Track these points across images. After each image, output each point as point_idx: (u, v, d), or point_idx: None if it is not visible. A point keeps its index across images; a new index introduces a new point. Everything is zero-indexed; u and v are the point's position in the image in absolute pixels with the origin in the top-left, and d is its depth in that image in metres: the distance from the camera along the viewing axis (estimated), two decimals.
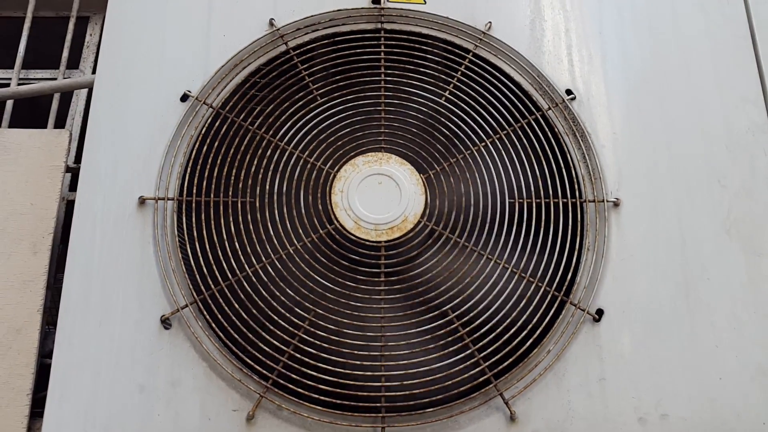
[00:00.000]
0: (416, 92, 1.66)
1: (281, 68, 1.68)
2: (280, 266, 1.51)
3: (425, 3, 1.76)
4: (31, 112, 2.28)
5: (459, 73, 1.69)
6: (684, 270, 1.54)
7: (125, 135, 1.62)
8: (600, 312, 1.50)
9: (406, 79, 1.67)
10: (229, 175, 1.57)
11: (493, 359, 1.45)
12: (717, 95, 1.69)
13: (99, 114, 1.64)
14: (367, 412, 1.42)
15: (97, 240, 1.53)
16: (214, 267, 1.50)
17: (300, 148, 1.60)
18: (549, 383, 1.45)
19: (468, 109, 1.65)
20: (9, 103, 2.07)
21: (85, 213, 1.55)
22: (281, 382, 1.43)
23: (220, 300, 1.48)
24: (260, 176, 1.57)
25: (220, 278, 1.49)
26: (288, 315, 1.47)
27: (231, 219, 1.54)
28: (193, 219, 1.54)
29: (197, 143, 1.60)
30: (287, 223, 1.54)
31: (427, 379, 1.43)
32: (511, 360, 1.45)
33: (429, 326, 1.47)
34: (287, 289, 1.49)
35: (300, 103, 1.64)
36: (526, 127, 1.63)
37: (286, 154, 1.60)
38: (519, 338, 1.47)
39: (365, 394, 1.42)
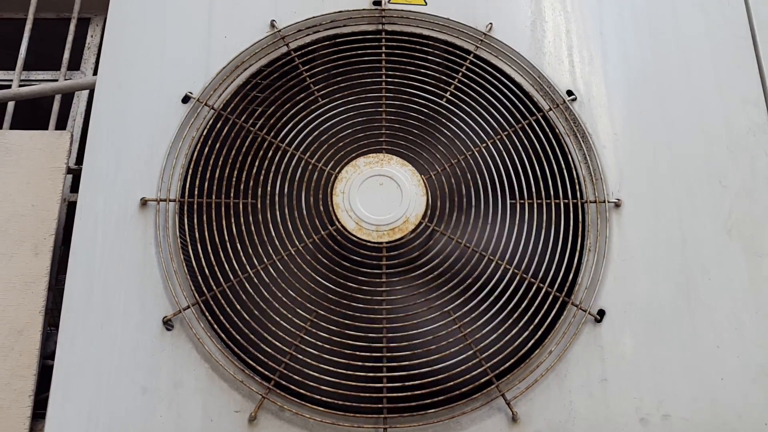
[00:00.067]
0: (417, 93, 1.66)
1: (282, 69, 1.68)
2: (281, 267, 1.51)
3: (426, 4, 1.76)
4: (32, 114, 2.29)
5: (460, 74, 1.69)
6: (685, 270, 1.54)
7: (127, 136, 1.62)
8: (601, 312, 1.50)
9: (407, 81, 1.67)
10: (231, 176, 1.58)
11: (495, 360, 1.45)
12: (717, 96, 1.69)
13: (100, 115, 1.64)
14: (369, 413, 1.42)
15: (99, 241, 1.53)
16: (216, 268, 1.50)
17: (301, 149, 1.60)
18: (551, 384, 1.45)
19: (469, 110, 1.65)
20: (10, 105, 2.07)
21: (86, 214, 1.55)
22: (283, 383, 1.43)
23: (222, 301, 1.48)
24: (262, 177, 1.57)
25: (222, 279, 1.49)
26: (290, 316, 1.47)
27: (233, 220, 1.54)
28: (195, 220, 1.54)
29: (199, 145, 1.60)
30: (289, 224, 1.54)
31: (430, 379, 1.43)
32: (512, 361, 1.45)
33: (431, 327, 1.47)
34: (289, 290, 1.49)
35: (301, 104, 1.64)
36: (527, 128, 1.64)
37: (288, 155, 1.60)
38: (521, 339, 1.47)
39: (367, 395, 1.42)
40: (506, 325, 1.47)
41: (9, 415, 1.51)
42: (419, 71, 1.69)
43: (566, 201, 1.58)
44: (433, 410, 1.42)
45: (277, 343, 1.45)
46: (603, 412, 1.43)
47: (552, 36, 1.75)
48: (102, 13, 2.39)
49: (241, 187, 1.57)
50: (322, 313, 1.48)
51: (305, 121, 1.63)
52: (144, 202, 1.56)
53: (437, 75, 1.69)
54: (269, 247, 1.52)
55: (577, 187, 1.59)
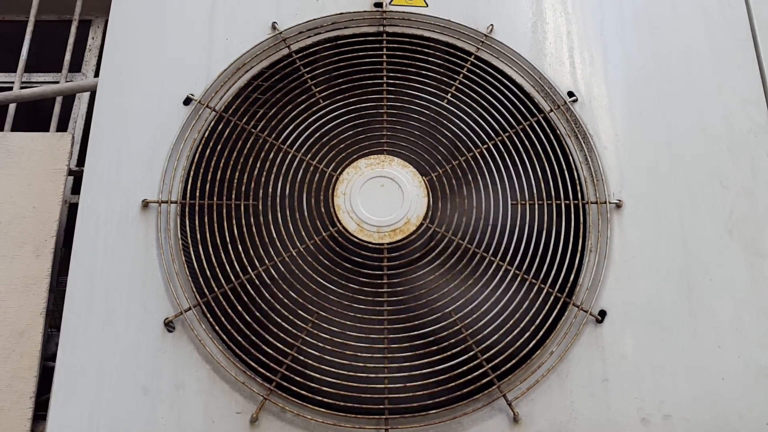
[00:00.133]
0: (418, 95, 1.66)
1: (284, 71, 1.69)
2: (283, 269, 1.51)
3: (427, 6, 1.76)
4: (33, 116, 2.29)
5: (461, 75, 1.69)
6: (686, 271, 1.54)
7: (128, 138, 1.62)
8: (603, 313, 1.51)
9: (408, 82, 1.67)
10: (232, 178, 1.58)
11: (496, 361, 1.45)
12: (718, 96, 1.69)
13: (102, 117, 1.64)
14: (370, 414, 1.42)
15: (101, 243, 1.53)
16: (218, 270, 1.50)
17: (303, 151, 1.61)
18: (552, 384, 1.45)
19: (470, 111, 1.65)
20: (12, 107, 2.07)
21: (88, 216, 1.55)
22: (285, 384, 1.43)
23: (224, 303, 1.48)
24: (263, 179, 1.58)
25: (223, 281, 1.50)
26: (291, 317, 1.47)
27: (234, 222, 1.54)
28: (197, 222, 1.54)
29: (200, 146, 1.61)
30: (290, 225, 1.55)
31: (431, 380, 1.43)
32: (514, 362, 1.46)
33: (432, 328, 1.47)
34: (290, 292, 1.49)
35: (303, 106, 1.65)
36: (529, 130, 1.64)
37: (289, 156, 1.60)
38: (522, 340, 1.47)
39: (369, 396, 1.42)
40: (507, 325, 1.47)
41: (10, 416, 1.51)
42: (420, 73, 1.69)
43: (567, 202, 1.58)
44: (434, 411, 1.42)
45: (278, 344, 1.45)
46: (604, 413, 1.43)
47: (553, 37, 1.75)
48: (103, 15, 2.39)
49: (243, 188, 1.57)
50: (324, 314, 1.48)
51: (306, 123, 1.63)
52: (145, 204, 1.56)
53: (438, 76, 1.70)
54: (270, 249, 1.52)
55: (578, 188, 1.59)
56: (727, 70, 1.72)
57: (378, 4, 1.75)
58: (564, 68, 1.72)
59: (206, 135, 1.62)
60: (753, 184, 1.61)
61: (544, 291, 1.51)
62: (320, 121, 1.63)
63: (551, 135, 1.64)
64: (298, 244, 1.53)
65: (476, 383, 1.44)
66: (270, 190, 1.57)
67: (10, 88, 2.03)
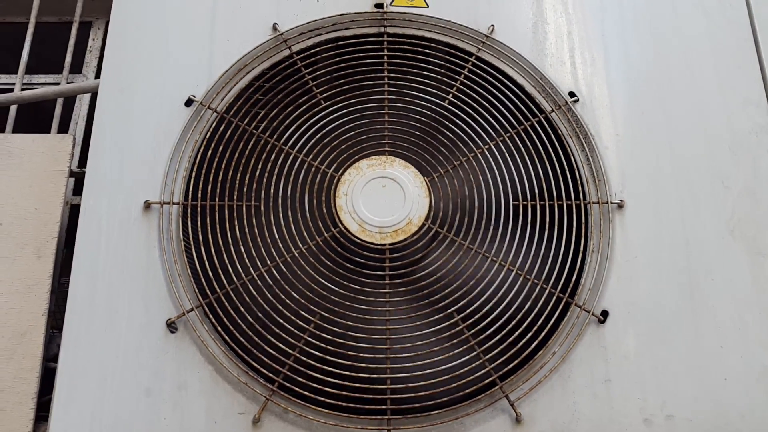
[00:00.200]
0: (419, 95, 1.67)
1: (285, 72, 1.69)
2: (285, 269, 1.51)
3: (428, 7, 1.76)
4: (34, 117, 2.29)
5: (462, 76, 1.69)
6: (688, 271, 1.54)
7: (130, 140, 1.62)
8: (605, 313, 1.51)
9: (409, 83, 1.68)
10: (234, 179, 1.58)
11: (499, 361, 1.45)
12: (719, 97, 1.69)
13: (104, 119, 1.64)
14: (372, 414, 1.42)
15: (103, 244, 1.53)
16: (220, 270, 1.50)
17: (304, 151, 1.61)
18: (554, 385, 1.45)
19: (471, 111, 1.65)
20: (13, 108, 2.07)
21: (90, 217, 1.56)
22: (287, 385, 1.43)
23: (226, 303, 1.48)
24: (265, 180, 1.58)
25: (225, 282, 1.50)
26: (293, 318, 1.47)
27: (236, 223, 1.54)
28: (199, 223, 1.54)
29: (202, 148, 1.61)
30: (292, 226, 1.55)
31: (433, 381, 1.43)
32: (516, 362, 1.46)
33: (434, 328, 1.47)
34: (292, 292, 1.49)
35: (304, 107, 1.65)
36: (530, 130, 1.64)
37: (291, 157, 1.60)
38: (524, 340, 1.47)
39: (371, 396, 1.42)
40: (510, 326, 1.47)
41: (12, 417, 1.51)
42: (421, 73, 1.69)
43: (569, 202, 1.58)
44: (436, 411, 1.42)
45: (280, 345, 1.45)
46: (607, 413, 1.44)
47: (554, 38, 1.75)
48: (104, 17, 2.39)
49: (245, 189, 1.57)
50: (326, 315, 1.48)
51: (308, 124, 1.63)
52: (147, 205, 1.56)
53: (439, 77, 1.70)
54: (272, 250, 1.52)
55: (580, 188, 1.59)
56: (727, 70, 1.72)
57: (379, 5, 1.76)
58: (565, 68, 1.72)
59: (208, 136, 1.62)
60: (754, 184, 1.62)
61: (546, 291, 1.51)
62: (321, 122, 1.63)
63: (552, 135, 1.64)
64: (300, 245, 1.53)
65: (478, 383, 1.44)
66: (272, 191, 1.57)
67: (11, 90, 2.02)
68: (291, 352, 1.45)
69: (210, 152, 1.60)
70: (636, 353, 1.48)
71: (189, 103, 1.65)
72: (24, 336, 1.57)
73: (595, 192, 1.60)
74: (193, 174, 1.58)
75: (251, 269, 1.51)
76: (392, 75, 1.68)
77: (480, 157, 1.61)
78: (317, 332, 1.47)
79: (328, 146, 1.61)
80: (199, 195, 1.57)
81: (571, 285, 1.52)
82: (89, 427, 1.40)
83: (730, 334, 1.50)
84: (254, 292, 1.49)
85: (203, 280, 1.50)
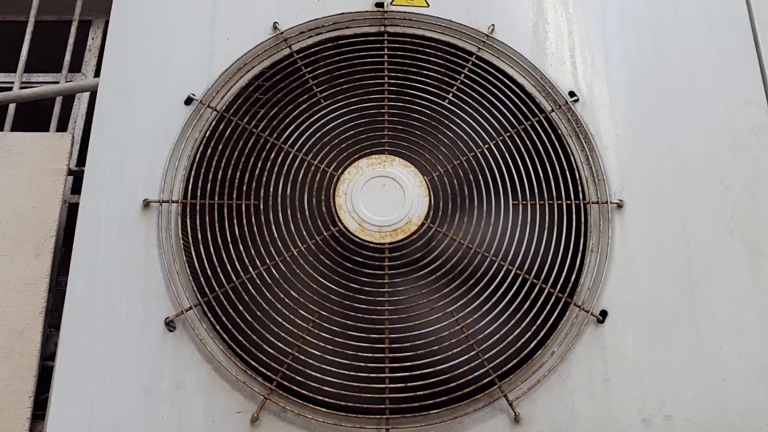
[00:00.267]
0: (420, 94, 1.67)
1: (285, 71, 1.69)
2: (284, 268, 1.51)
3: (428, 6, 1.77)
4: (33, 116, 2.29)
5: (462, 75, 1.69)
6: (688, 271, 1.54)
7: (129, 138, 1.62)
8: (604, 313, 1.50)
9: (409, 82, 1.68)
10: (233, 177, 1.58)
11: (498, 361, 1.45)
12: (720, 97, 1.70)
13: (103, 118, 1.64)
14: (371, 414, 1.42)
15: (102, 243, 1.53)
16: (219, 269, 1.50)
17: (304, 150, 1.61)
18: (553, 384, 1.45)
19: (471, 111, 1.65)
20: (12, 107, 2.07)
21: (89, 216, 1.55)
22: (285, 383, 1.43)
23: (225, 302, 1.48)
24: (264, 179, 1.58)
25: (224, 280, 1.49)
26: (292, 317, 1.47)
27: (235, 221, 1.54)
28: (198, 222, 1.54)
29: (201, 146, 1.61)
30: (291, 225, 1.54)
31: (432, 380, 1.43)
32: (515, 362, 1.45)
33: (433, 327, 1.47)
34: (291, 291, 1.49)
35: (304, 106, 1.65)
36: (530, 129, 1.64)
37: (290, 156, 1.60)
38: (523, 340, 1.47)
39: (370, 395, 1.42)
40: (509, 325, 1.47)
41: (9, 416, 1.51)
42: (421, 73, 1.69)
43: (569, 202, 1.58)
44: (435, 411, 1.42)
45: (279, 344, 1.45)
46: (605, 413, 1.43)
47: (554, 37, 1.75)
48: (103, 16, 2.39)
49: (244, 188, 1.57)
50: (325, 314, 1.48)
51: (308, 123, 1.63)
52: (147, 204, 1.56)
53: (439, 76, 1.70)
54: (272, 249, 1.52)
55: (580, 188, 1.59)
56: (728, 71, 1.72)
57: (379, 4, 1.76)
58: (565, 68, 1.72)
59: (207, 135, 1.62)
60: (754, 184, 1.62)
61: (545, 291, 1.51)
62: (321, 121, 1.63)
63: (552, 135, 1.64)
64: (299, 244, 1.53)
65: (477, 383, 1.44)
66: (271, 189, 1.57)
67: (10, 88, 2.02)
68: (289, 350, 1.44)
69: (209, 151, 1.60)
70: (635, 353, 1.48)
71: (189, 101, 1.65)
72: (21, 334, 1.57)
73: (595, 192, 1.60)
74: (193, 172, 1.58)
75: (250, 268, 1.50)
76: (392, 74, 1.68)
77: (480, 156, 1.61)
78: (316, 331, 1.46)
79: (328, 145, 1.61)
80: (199, 194, 1.56)
81: (570, 285, 1.52)
82: (87, 426, 1.40)
83: (730, 334, 1.49)
84: (253, 291, 1.48)
85: (202, 278, 1.50)
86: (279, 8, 1.75)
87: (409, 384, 1.43)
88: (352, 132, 1.63)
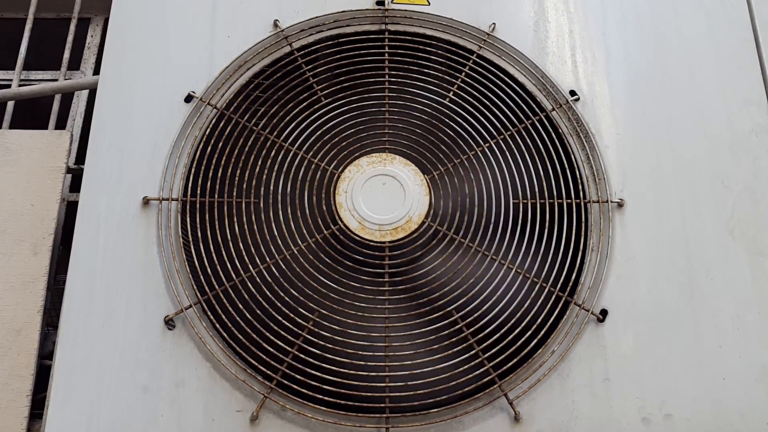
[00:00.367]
0: (420, 93, 1.66)
1: (285, 69, 1.68)
2: (284, 267, 1.51)
3: (429, 4, 1.76)
4: (32, 113, 2.28)
5: (463, 74, 1.69)
6: (688, 270, 1.54)
7: (129, 136, 1.61)
8: (604, 312, 1.50)
9: (410, 80, 1.67)
10: (233, 175, 1.57)
11: (498, 360, 1.45)
12: (720, 97, 1.70)
13: (103, 115, 1.64)
14: (371, 413, 1.41)
15: (101, 241, 1.52)
16: (218, 267, 1.50)
17: (304, 149, 1.60)
18: (553, 383, 1.45)
19: (472, 110, 1.65)
20: (10, 104, 2.06)
21: (88, 214, 1.55)
22: (285, 382, 1.42)
23: (224, 300, 1.47)
24: (264, 177, 1.57)
25: (224, 279, 1.49)
26: (292, 315, 1.47)
27: (235, 219, 1.54)
28: (197, 220, 1.54)
29: (201, 144, 1.60)
30: (291, 223, 1.54)
31: (432, 379, 1.43)
32: (515, 360, 1.45)
33: (433, 327, 1.47)
34: (291, 290, 1.49)
35: (304, 104, 1.64)
36: (531, 128, 1.64)
37: (291, 154, 1.60)
38: (523, 339, 1.46)
39: (369, 394, 1.42)
40: (509, 324, 1.47)
41: (6, 415, 1.50)
42: (422, 71, 1.69)
43: (569, 201, 1.58)
44: (435, 410, 1.42)
45: (279, 342, 1.44)
46: (605, 412, 1.43)
47: (555, 36, 1.75)
48: (102, 14, 2.38)
49: (244, 186, 1.56)
50: (325, 312, 1.47)
51: (308, 121, 1.63)
52: (146, 202, 1.55)
53: (440, 75, 1.70)
54: (272, 247, 1.52)
55: (580, 187, 1.59)
56: (728, 70, 1.72)
57: (380, 2, 1.75)
58: (566, 67, 1.72)
59: (207, 132, 1.61)
60: (754, 184, 1.62)
61: (546, 290, 1.51)
62: (322, 119, 1.63)
63: (553, 134, 1.64)
64: (300, 242, 1.53)
65: (477, 382, 1.44)
66: (271, 187, 1.57)
67: (9, 86, 2.02)
68: (289, 349, 1.44)
69: (209, 149, 1.60)
70: (635, 352, 1.48)
71: (189, 99, 1.65)
72: (19, 333, 1.56)
73: (596, 191, 1.60)
74: (193, 170, 1.58)
75: (250, 266, 1.50)
76: (393, 72, 1.68)
77: (480, 155, 1.61)
78: (316, 330, 1.46)
79: (329, 143, 1.61)
80: (198, 192, 1.56)
81: (570, 284, 1.52)
82: (86, 425, 1.39)
83: (730, 333, 1.50)
84: (253, 290, 1.48)
85: (202, 277, 1.49)
86: (279, 6, 1.75)
87: (409, 383, 1.42)
88: (352, 130, 1.62)
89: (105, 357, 1.44)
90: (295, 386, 1.42)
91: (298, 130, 1.62)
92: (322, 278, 1.50)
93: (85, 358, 1.44)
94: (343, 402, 1.41)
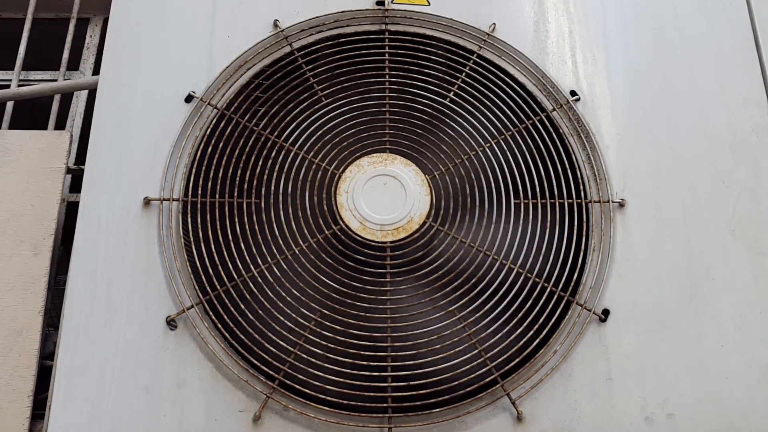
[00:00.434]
0: (421, 93, 1.66)
1: (286, 69, 1.68)
2: (285, 267, 1.50)
3: (429, 4, 1.76)
4: (31, 114, 2.27)
5: (463, 74, 1.69)
6: (689, 270, 1.55)
7: (130, 136, 1.61)
8: (606, 312, 1.51)
9: (410, 80, 1.67)
10: (234, 175, 1.57)
11: (500, 359, 1.45)
12: (720, 97, 1.70)
13: (103, 116, 1.63)
14: (373, 413, 1.41)
15: (102, 241, 1.52)
16: (220, 268, 1.49)
17: (305, 149, 1.60)
18: (555, 383, 1.45)
19: (473, 109, 1.65)
20: (9, 105, 2.06)
21: (89, 214, 1.54)
22: (287, 382, 1.42)
23: (226, 300, 1.47)
24: (265, 177, 1.57)
25: (225, 279, 1.49)
26: (294, 315, 1.47)
27: (236, 220, 1.53)
28: (199, 220, 1.53)
29: (202, 144, 1.60)
30: (292, 223, 1.54)
31: (434, 379, 1.43)
32: (517, 360, 1.45)
33: (435, 326, 1.47)
34: (293, 290, 1.49)
35: (305, 104, 1.64)
36: (531, 128, 1.64)
37: (291, 155, 1.60)
38: (525, 338, 1.47)
39: (372, 394, 1.42)
40: (511, 324, 1.47)
41: (8, 415, 1.50)
42: (422, 71, 1.69)
43: (570, 201, 1.58)
44: (437, 410, 1.42)
45: (281, 342, 1.44)
46: (608, 412, 1.43)
47: (555, 36, 1.75)
48: (101, 14, 2.38)
49: (245, 186, 1.56)
50: (327, 312, 1.47)
51: (309, 121, 1.62)
52: (147, 202, 1.55)
53: (440, 75, 1.69)
54: (273, 247, 1.52)
55: (581, 187, 1.59)
56: (728, 70, 1.73)
57: (380, 2, 1.75)
58: (566, 67, 1.72)
59: (208, 133, 1.61)
60: (755, 184, 1.62)
61: (548, 290, 1.51)
62: (323, 119, 1.63)
63: (554, 134, 1.64)
64: (301, 242, 1.53)
65: (479, 382, 1.44)
66: (272, 187, 1.56)
67: (8, 86, 2.01)
68: (291, 349, 1.44)
69: (210, 149, 1.59)
70: (637, 352, 1.48)
71: (189, 99, 1.65)
72: (20, 334, 1.56)
73: (596, 191, 1.60)
74: (193, 170, 1.57)
75: (251, 266, 1.50)
76: (393, 72, 1.68)
77: (481, 155, 1.61)
78: (318, 330, 1.46)
79: (329, 143, 1.61)
80: (199, 192, 1.56)
81: (572, 284, 1.52)
82: (88, 425, 1.39)
83: (731, 333, 1.50)
84: (254, 290, 1.48)
85: (203, 277, 1.49)
86: (279, 6, 1.75)
87: (411, 383, 1.43)
88: (353, 130, 1.62)
89: (107, 357, 1.44)
90: (297, 386, 1.42)
91: (299, 130, 1.62)
92: (324, 278, 1.50)
93: (86, 358, 1.43)
94: (345, 402, 1.42)
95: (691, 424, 1.43)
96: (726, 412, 1.44)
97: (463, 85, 1.68)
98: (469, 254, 1.53)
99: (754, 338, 1.49)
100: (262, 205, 1.55)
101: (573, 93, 1.69)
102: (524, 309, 1.49)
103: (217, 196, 1.56)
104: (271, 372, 1.43)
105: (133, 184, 1.57)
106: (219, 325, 1.46)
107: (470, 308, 1.48)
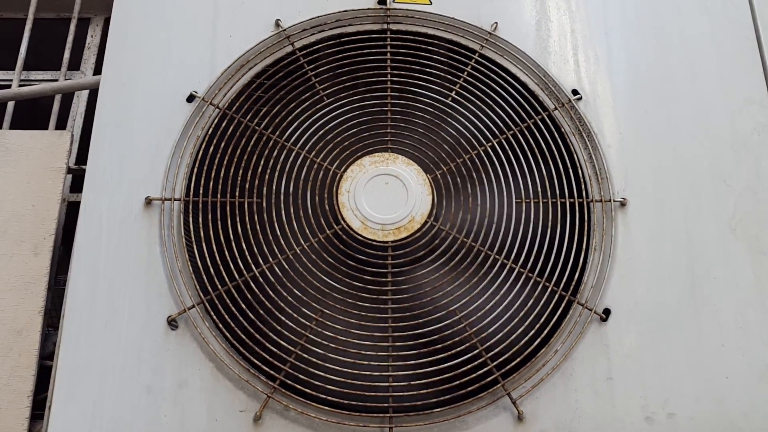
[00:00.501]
0: (423, 92, 1.66)
1: (287, 69, 1.68)
2: (287, 266, 1.50)
3: (431, 4, 1.76)
4: (32, 114, 2.27)
5: (465, 73, 1.69)
6: (690, 269, 1.54)
7: (131, 136, 1.61)
8: (607, 312, 1.50)
9: (412, 80, 1.67)
10: (236, 175, 1.57)
11: (501, 359, 1.45)
12: (722, 96, 1.70)
13: (104, 116, 1.63)
14: (374, 413, 1.41)
15: (103, 241, 1.52)
16: (221, 267, 1.49)
17: (307, 148, 1.60)
18: (556, 383, 1.45)
19: (474, 109, 1.65)
20: (10, 105, 2.06)
21: (90, 214, 1.54)
22: (288, 382, 1.42)
23: (227, 300, 1.47)
24: (267, 177, 1.57)
25: (227, 278, 1.49)
26: (295, 315, 1.46)
27: (238, 219, 1.53)
28: (200, 219, 1.53)
29: (203, 144, 1.60)
30: (294, 223, 1.54)
31: (435, 379, 1.43)
32: (518, 360, 1.45)
33: (436, 326, 1.46)
34: (294, 290, 1.48)
35: (306, 103, 1.64)
36: (533, 127, 1.64)
37: (293, 154, 1.59)
38: (526, 338, 1.47)
39: (373, 394, 1.42)
40: (512, 323, 1.47)
41: (8, 415, 1.50)
42: (424, 70, 1.69)
43: (572, 200, 1.58)
44: (438, 409, 1.42)
45: (282, 342, 1.44)
46: (609, 411, 1.43)
47: (557, 35, 1.75)
48: (102, 13, 2.38)
49: (247, 186, 1.56)
50: (328, 312, 1.47)
51: (310, 120, 1.62)
52: (149, 202, 1.55)
53: (442, 74, 1.69)
54: (274, 246, 1.52)
55: (583, 186, 1.59)
56: (730, 70, 1.73)
57: (382, 2, 1.75)
58: (568, 66, 1.72)
59: (209, 132, 1.61)
60: (756, 183, 1.62)
61: (549, 289, 1.51)
62: (324, 119, 1.63)
63: (555, 133, 1.64)
64: (302, 242, 1.52)
65: (480, 381, 1.44)
66: (274, 187, 1.56)
67: (9, 86, 2.01)
68: (293, 349, 1.44)
69: (212, 148, 1.59)
70: (638, 351, 1.48)
71: (191, 98, 1.64)
72: (20, 333, 1.56)
73: (598, 190, 1.60)
74: (195, 170, 1.57)
75: (253, 266, 1.50)
76: (395, 72, 1.68)
77: (483, 154, 1.61)
78: (319, 330, 1.46)
79: (331, 143, 1.61)
80: (201, 191, 1.56)
81: (573, 283, 1.52)
82: (89, 425, 1.39)
83: (732, 332, 1.50)
84: (255, 289, 1.48)
85: (204, 277, 1.49)
86: (281, 5, 1.75)
87: (412, 383, 1.42)
88: (354, 130, 1.62)
89: (108, 357, 1.43)
90: (298, 386, 1.42)
91: (301, 129, 1.62)
92: (325, 278, 1.50)
93: (87, 358, 1.43)
94: (346, 402, 1.41)
95: (691, 424, 1.43)
96: (727, 412, 1.44)
97: (464, 84, 1.68)
98: (471, 253, 1.53)
99: (755, 338, 1.49)
100: (264, 204, 1.55)
101: (575, 92, 1.69)
102: (525, 308, 1.49)
103: (218, 196, 1.55)
104: (272, 372, 1.43)
105: (135, 184, 1.57)
106: (220, 325, 1.46)
107: (472, 308, 1.48)
